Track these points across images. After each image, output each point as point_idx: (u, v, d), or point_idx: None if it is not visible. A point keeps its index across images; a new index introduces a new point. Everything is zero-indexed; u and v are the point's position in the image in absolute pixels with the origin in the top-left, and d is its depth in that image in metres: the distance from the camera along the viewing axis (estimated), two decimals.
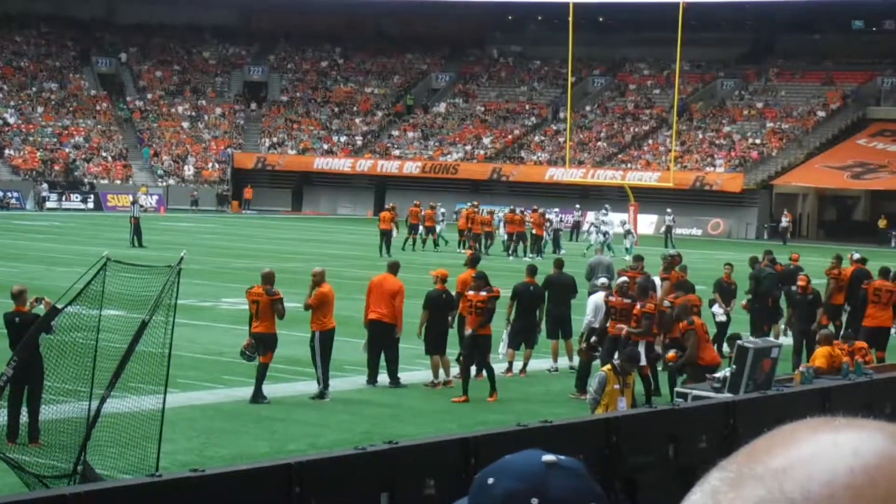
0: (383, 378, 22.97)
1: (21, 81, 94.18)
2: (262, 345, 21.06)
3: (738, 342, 18.39)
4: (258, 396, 20.90)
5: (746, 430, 14.20)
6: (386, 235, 53.04)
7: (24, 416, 16.98)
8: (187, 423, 18.79)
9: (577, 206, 68.72)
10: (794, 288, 26.63)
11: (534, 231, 55.54)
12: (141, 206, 56.86)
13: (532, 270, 24.97)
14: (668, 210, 66.43)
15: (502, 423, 17.77)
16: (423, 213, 57.96)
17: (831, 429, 1.31)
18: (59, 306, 15.46)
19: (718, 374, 18.34)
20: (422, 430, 18.86)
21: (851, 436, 1.30)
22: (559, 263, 26.58)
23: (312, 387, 21.73)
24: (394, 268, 23.65)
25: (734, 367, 17.70)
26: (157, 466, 14.02)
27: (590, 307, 23.36)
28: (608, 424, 13.28)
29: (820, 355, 20.32)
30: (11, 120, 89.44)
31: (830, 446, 1.29)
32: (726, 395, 16.77)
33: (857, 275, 29.80)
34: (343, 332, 22.39)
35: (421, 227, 57.38)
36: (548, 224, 57.53)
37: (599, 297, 23.31)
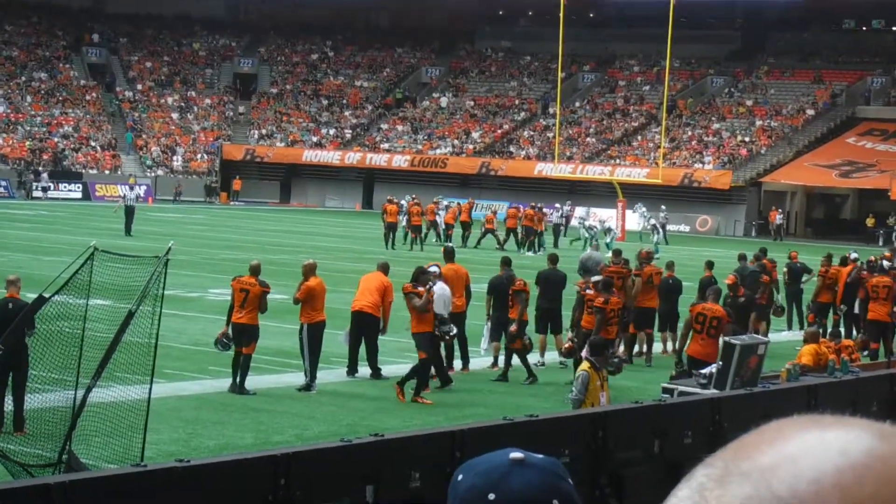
0: (364, 371, 22.97)
1: (10, 70, 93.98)
2: (244, 336, 21.02)
3: (725, 339, 18.41)
4: (242, 389, 20.88)
5: (732, 427, 14.23)
6: (392, 229, 53.09)
7: (9, 405, 16.96)
8: (173, 413, 18.77)
9: (569, 202, 68.62)
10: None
11: (533, 227, 55.62)
12: (123, 196, 57.69)
13: (506, 262, 24.93)
14: (663, 207, 66.50)
15: (488, 416, 17.78)
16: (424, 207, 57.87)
17: (819, 427, 1.31)
18: (46, 295, 15.43)
19: (705, 371, 18.36)
20: (408, 423, 18.86)
21: (839, 434, 1.29)
22: (553, 258, 26.54)
23: (299, 378, 21.73)
24: (385, 268, 23.53)
25: (721, 363, 17.73)
26: (143, 456, 14.01)
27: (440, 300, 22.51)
28: (595, 419, 13.29)
29: (806, 353, 20.39)
30: (0, 109, 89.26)
31: (818, 444, 1.28)
32: (712, 392, 16.81)
33: (853, 274, 30.07)
34: (330, 325, 22.36)
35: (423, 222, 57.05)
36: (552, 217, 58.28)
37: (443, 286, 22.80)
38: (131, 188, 59.72)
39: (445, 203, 60.26)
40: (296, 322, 22.07)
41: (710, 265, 28.53)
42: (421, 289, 21.35)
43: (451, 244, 38.30)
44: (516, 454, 1.97)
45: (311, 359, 21.40)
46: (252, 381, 21.08)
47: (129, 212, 53.78)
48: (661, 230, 59.90)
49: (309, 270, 21.96)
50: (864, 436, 1.29)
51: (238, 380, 20.94)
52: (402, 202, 58.00)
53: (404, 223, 55.16)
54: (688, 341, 21.78)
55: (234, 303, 21.26)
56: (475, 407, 20.88)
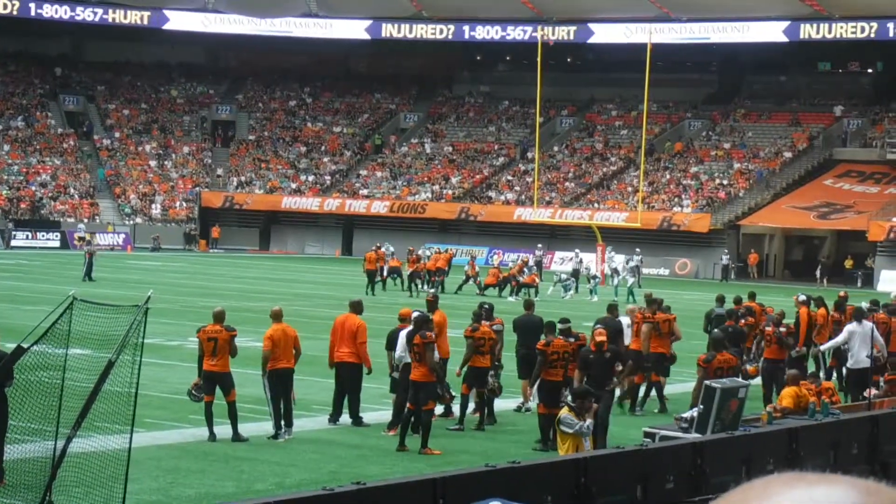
0: (346, 418, 22.91)
1: None
2: (220, 385, 20.96)
3: (706, 383, 18.41)
4: (237, 437, 20.85)
5: (714, 471, 14.23)
6: (371, 276, 53.02)
7: None
8: (153, 462, 18.68)
9: (539, 245, 68.59)
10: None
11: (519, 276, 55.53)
12: (88, 241, 59.84)
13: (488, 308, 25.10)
14: (637, 249, 66.58)
15: (470, 463, 17.73)
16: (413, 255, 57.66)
17: (805, 483, 1.31)
18: (25, 346, 15.37)
19: (686, 415, 18.34)
20: (389, 471, 18.80)
21: (826, 491, 1.30)
22: (529, 305, 26.57)
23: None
24: (356, 307, 23.50)
25: (702, 407, 17.71)
26: None
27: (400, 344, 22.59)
28: (577, 465, 13.26)
29: (787, 395, 20.38)
30: None
31: (807, 501, 1.29)
32: (694, 436, 16.79)
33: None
34: (309, 372, 22.32)
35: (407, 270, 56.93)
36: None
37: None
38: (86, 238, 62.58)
39: (392, 249, 60.24)
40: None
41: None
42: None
43: (434, 292, 38.12)
44: None
45: (273, 404, 21.34)
46: (219, 430, 20.96)
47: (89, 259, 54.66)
48: (618, 275, 60.07)
49: (275, 316, 21.98)
50: (852, 492, 1.29)
51: (232, 429, 20.88)
52: (384, 249, 58.03)
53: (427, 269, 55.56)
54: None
55: (202, 352, 21.21)
56: (457, 454, 20.81)
